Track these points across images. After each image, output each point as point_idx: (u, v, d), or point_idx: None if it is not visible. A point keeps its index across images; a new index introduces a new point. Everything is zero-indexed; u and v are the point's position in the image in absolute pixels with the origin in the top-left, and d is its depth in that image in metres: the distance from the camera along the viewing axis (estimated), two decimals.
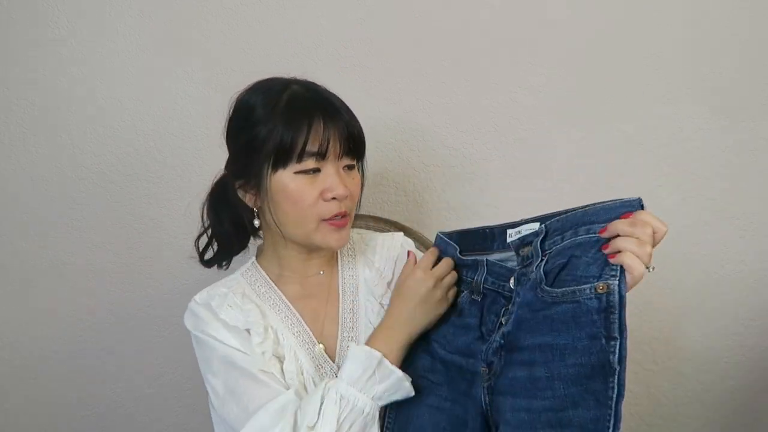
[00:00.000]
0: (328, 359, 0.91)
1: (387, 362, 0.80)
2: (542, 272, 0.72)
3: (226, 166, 0.92)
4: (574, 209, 0.73)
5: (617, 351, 0.64)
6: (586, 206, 0.72)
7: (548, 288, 0.70)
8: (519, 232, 0.79)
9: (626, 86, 1.28)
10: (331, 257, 0.98)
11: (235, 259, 1.00)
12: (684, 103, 1.29)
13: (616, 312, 0.65)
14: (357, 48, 1.26)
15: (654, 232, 0.67)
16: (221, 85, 1.25)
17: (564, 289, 0.68)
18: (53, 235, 1.29)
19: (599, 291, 0.66)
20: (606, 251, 0.67)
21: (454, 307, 0.87)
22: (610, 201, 0.70)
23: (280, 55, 1.26)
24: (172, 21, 1.23)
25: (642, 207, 0.69)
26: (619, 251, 0.66)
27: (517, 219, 0.81)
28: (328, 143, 0.83)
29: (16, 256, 1.30)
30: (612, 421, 0.65)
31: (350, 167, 0.89)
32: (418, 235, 1.15)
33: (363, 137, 0.89)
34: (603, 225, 0.68)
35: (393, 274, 0.98)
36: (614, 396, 0.65)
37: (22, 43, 1.22)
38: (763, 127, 1.30)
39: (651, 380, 1.42)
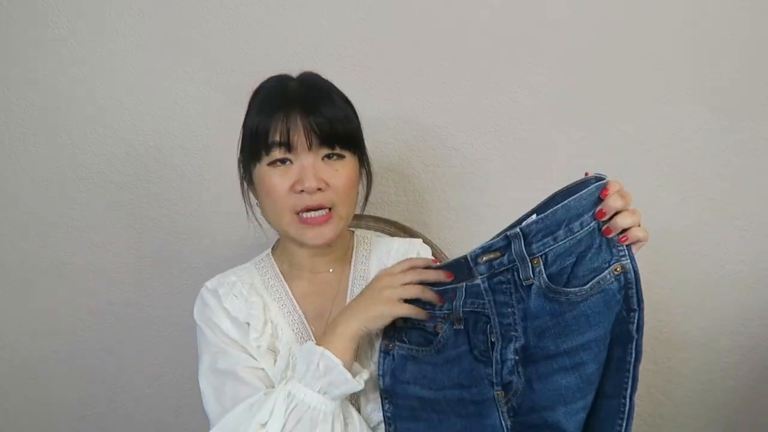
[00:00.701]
0: None
1: (330, 354, 0.77)
2: (546, 278, 0.71)
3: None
4: (535, 209, 0.74)
5: (636, 321, 0.70)
6: (552, 199, 0.74)
7: (571, 289, 0.71)
8: (491, 246, 0.76)
9: (626, 86, 1.28)
10: (344, 255, 0.97)
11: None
12: (684, 103, 1.29)
13: (634, 287, 0.69)
14: (357, 48, 1.26)
15: None
16: (221, 85, 1.26)
17: (590, 283, 0.70)
18: (53, 235, 1.29)
19: (616, 273, 0.70)
20: (611, 235, 0.70)
21: (429, 346, 0.81)
22: (576, 185, 0.73)
23: (280, 55, 1.26)
24: (172, 21, 1.24)
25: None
26: (626, 229, 0.70)
27: (513, 222, 0.79)
28: (289, 132, 0.82)
29: (16, 256, 1.30)
30: (630, 383, 0.71)
31: (336, 157, 0.86)
32: (419, 236, 1.15)
33: (347, 127, 0.87)
34: (591, 213, 0.70)
35: None
36: (632, 360, 0.71)
37: (22, 43, 1.22)
38: (763, 127, 1.30)
39: (651, 380, 1.42)
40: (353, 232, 1.02)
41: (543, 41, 1.27)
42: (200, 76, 1.26)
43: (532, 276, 0.72)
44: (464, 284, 0.78)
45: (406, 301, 0.80)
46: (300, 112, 0.83)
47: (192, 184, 1.29)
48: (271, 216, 0.88)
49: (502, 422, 0.76)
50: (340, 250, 0.96)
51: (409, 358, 0.82)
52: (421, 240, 1.05)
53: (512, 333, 0.74)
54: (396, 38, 1.26)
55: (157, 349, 1.36)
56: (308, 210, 0.85)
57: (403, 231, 1.17)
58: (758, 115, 1.30)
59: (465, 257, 0.76)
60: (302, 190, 0.83)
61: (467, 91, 1.28)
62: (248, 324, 0.88)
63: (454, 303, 0.79)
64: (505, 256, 0.73)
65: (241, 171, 0.92)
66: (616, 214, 0.70)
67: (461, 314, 0.78)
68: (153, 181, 1.29)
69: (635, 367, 0.71)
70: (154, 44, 1.24)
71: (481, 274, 0.75)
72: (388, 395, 0.82)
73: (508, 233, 0.72)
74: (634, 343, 0.70)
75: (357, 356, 0.84)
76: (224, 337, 0.88)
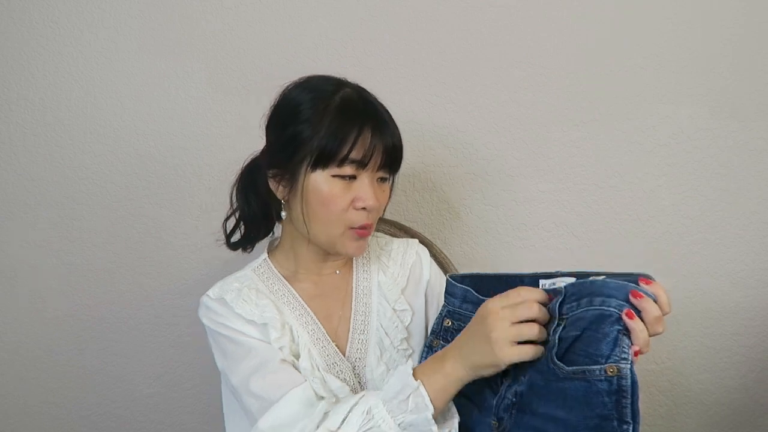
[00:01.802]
0: (342, 357, 0.91)
1: (425, 393, 0.74)
2: (557, 338, 0.69)
3: (262, 154, 0.93)
4: (597, 273, 0.71)
5: None
6: (607, 273, 0.71)
7: (559, 363, 0.69)
8: (553, 284, 0.74)
9: (626, 86, 1.28)
10: (348, 258, 0.98)
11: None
12: (684, 103, 1.29)
13: (629, 397, 0.64)
14: (357, 48, 1.26)
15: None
16: (221, 85, 1.26)
17: (575, 367, 0.67)
18: (53, 235, 1.29)
19: (609, 373, 0.64)
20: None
21: None
22: (629, 275, 0.69)
23: (280, 55, 1.26)
24: (173, 21, 1.24)
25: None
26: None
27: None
28: (372, 154, 0.83)
29: (16, 256, 1.30)
30: None
31: (383, 180, 0.90)
32: (419, 235, 1.15)
33: (402, 152, 0.90)
34: (620, 300, 0.66)
35: (407, 282, 0.98)
36: None
37: (23, 43, 1.22)
38: (762, 127, 1.30)
39: (651, 380, 1.42)
40: None
41: (543, 41, 1.27)
42: (200, 76, 1.26)
43: (550, 332, 0.70)
44: None
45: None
46: (380, 135, 0.84)
47: (192, 184, 1.29)
48: (320, 223, 0.87)
49: None
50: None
51: None
52: (417, 240, 1.06)
53: (521, 376, 0.74)
54: (396, 38, 1.26)
55: (157, 349, 1.36)
56: (363, 227, 0.87)
57: (403, 231, 1.17)
58: (757, 115, 1.30)
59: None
60: (363, 208, 0.85)
61: (467, 91, 1.28)
62: (265, 326, 0.87)
63: None
64: (550, 305, 0.72)
65: (272, 166, 0.89)
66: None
67: None
68: (153, 181, 1.29)
69: None
70: (154, 44, 1.24)
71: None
72: None
73: (556, 288, 0.71)
74: None
75: None
76: (247, 337, 0.86)
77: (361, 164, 0.84)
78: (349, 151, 0.82)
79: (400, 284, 0.97)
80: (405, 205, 1.33)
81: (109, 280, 1.32)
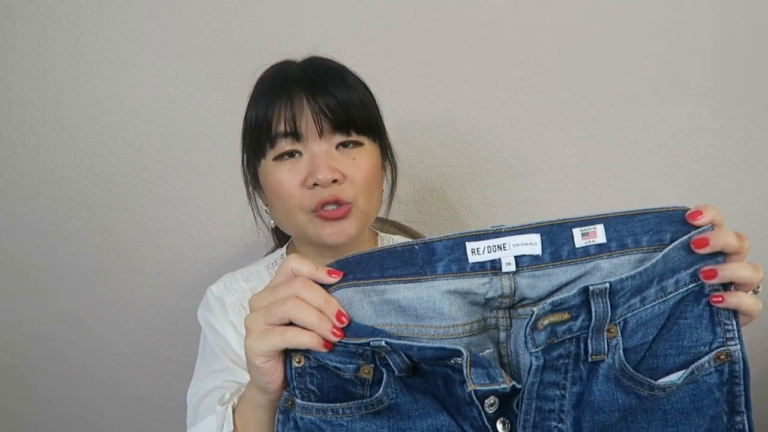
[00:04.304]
0: None
1: (230, 415, 0.61)
2: (622, 355, 0.50)
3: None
4: (582, 219, 0.51)
5: (746, 427, 0.52)
6: (629, 219, 0.51)
7: (654, 380, 0.50)
8: (499, 248, 0.52)
9: (626, 86, 1.28)
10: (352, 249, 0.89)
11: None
12: (684, 103, 1.29)
13: (741, 383, 0.52)
14: (357, 48, 1.26)
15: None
16: (221, 85, 1.26)
17: (680, 374, 0.51)
18: (53, 235, 1.29)
19: (719, 361, 0.52)
20: (721, 304, 0.53)
21: (351, 402, 0.51)
22: (659, 213, 0.53)
23: (280, 55, 1.25)
24: (173, 21, 1.24)
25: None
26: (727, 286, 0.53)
27: (515, 221, 0.54)
28: (295, 118, 0.71)
29: (16, 256, 1.30)
30: None
31: (353, 145, 0.74)
32: (419, 236, 1.15)
33: (363, 109, 0.74)
34: (691, 270, 0.52)
35: None
36: None
37: (23, 43, 1.22)
38: (762, 127, 1.30)
39: None
40: (377, 233, 0.95)
41: (543, 41, 1.27)
42: (200, 76, 1.26)
43: (605, 350, 0.49)
44: (383, 342, 0.49)
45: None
46: (306, 95, 0.71)
47: (192, 184, 1.29)
48: (283, 217, 0.76)
49: None
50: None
51: (324, 427, 0.51)
52: None
53: (554, 424, 0.50)
54: (396, 38, 1.26)
55: (157, 349, 1.36)
56: (325, 204, 0.72)
57: (403, 231, 1.17)
58: (757, 115, 1.30)
59: (466, 267, 0.54)
60: (315, 184, 0.71)
61: (467, 91, 1.28)
62: None
63: (394, 360, 0.50)
64: (579, 319, 0.49)
65: (245, 172, 0.82)
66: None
67: (407, 364, 0.50)
68: (153, 181, 1.29)
69: None
70: (154, 44, 1.24)
71: (537, 346, 0.48)
72: None
73: (591, 286, 0.47)
74: None
75: None
76: (226, 346, 0.81)
77: (293, 135, 0.71)
78: (271, 125, 0.71)
79: None
80: (406, 205, 1.33)
81: (109, 280, 1.32)
